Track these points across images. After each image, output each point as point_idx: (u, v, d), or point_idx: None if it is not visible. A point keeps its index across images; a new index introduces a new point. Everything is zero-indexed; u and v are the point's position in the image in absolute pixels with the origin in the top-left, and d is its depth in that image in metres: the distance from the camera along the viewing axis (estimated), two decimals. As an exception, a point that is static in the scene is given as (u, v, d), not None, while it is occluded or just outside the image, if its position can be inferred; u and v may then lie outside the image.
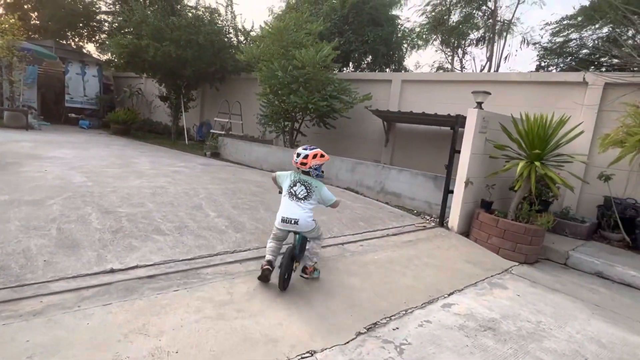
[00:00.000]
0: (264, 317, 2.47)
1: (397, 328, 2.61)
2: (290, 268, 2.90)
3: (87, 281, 2.58)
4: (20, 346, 1.88)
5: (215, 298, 2.61)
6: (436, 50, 12.01)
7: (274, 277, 2.88)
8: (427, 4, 11.08)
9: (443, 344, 2.49)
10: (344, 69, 12.29)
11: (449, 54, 11.72)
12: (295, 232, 3.03)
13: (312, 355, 2.16)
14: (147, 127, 14.45)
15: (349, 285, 3.14)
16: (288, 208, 2.97)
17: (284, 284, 2.81)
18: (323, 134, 9.35)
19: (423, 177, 5.93)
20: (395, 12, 12.31)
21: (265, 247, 3.09)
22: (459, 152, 5.19)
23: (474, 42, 11.00)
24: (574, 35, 8.20)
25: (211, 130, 10.79)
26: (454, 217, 5.25)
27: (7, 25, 10.48)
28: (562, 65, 8.56)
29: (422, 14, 11.34)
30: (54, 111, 15.15)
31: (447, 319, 2.85)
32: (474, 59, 11.84)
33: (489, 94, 5.12)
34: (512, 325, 2.88)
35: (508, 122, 5.18)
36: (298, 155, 3.02)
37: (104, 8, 16.85)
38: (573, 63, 8.05)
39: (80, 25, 17.64)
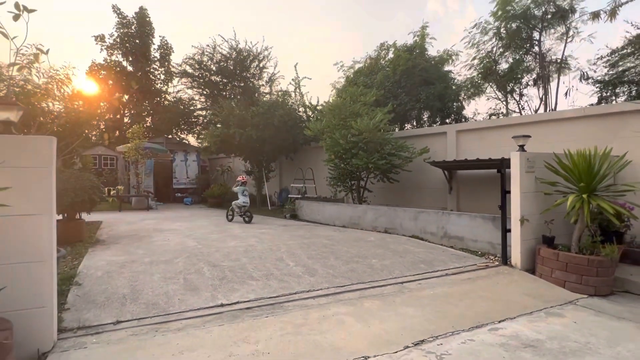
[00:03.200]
0: (331, 334, 3.21)
1: (442, 344, 3.12)
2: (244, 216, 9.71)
3: (207, 311, 3.63)
4: (173, 346, 2.91)
5: (294, 321, 3.44)
6: (487, 99, 12.42)
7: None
8: (474, 59, 11.85)
9: (481, 356, 2.93)
10: (406, 125, 13.23)
11: (502, 99, 12.03)
12: (245, 206, 9.70)
13: (365, 359, 2.82)
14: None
15: (403, 313, 3.72)
16: (244, 198, 9.77)
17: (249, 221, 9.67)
18: (388, 188, 10.11)
19: (482, 219, 6.27)
20: (448, 67, 13.26)
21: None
22: (509, 192, 5.55)
23: (531, 83, 11.20)
24: (632, 64, 8.05)
25: (289, 195, 12.25)
26: (516, 255, 5.45)
27: (134, 132, 13.74)
28: (626, 94, 8.30)
29: (470, 68, 12.09)
30: (164, 192, 18.37)
31: (491, 339, 3.25)
32: (526, 101, 11.73)
33: (529, 137, 5.55)
34: (556, 344, 3.16)
35: (554, 160, 5.46)
36: (244, 177, 10.15)
37: (199, 105, 20.64)
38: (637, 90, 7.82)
39: (182, 122, 21.75)
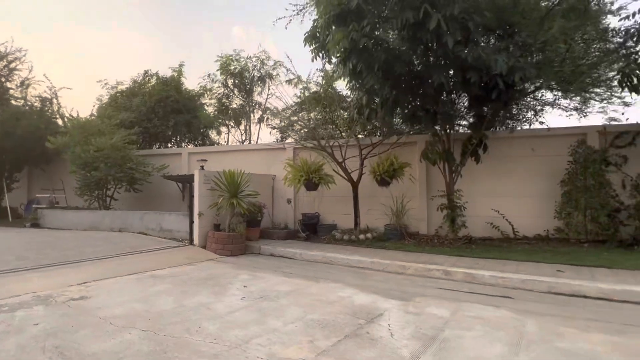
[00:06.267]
0: (16, 285, 5.01)
1: (97, 281, 5.42)
2: None
3: None
4: None
5: (2, 283, 5.06)
6: (217, 133, 16.45)
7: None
8: (211, 99, 15.49)
9: (119, 283, 5.39)
10: (169, 145, 15.32)
11: (226, 132, 16.41)
12: None
13: (34, 293, 4.82)
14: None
15: (86, 271, 5.84)
16: None
17: None
18: (136, 197, 11.94)
19: (183, 216, 9.08)
20: (205, 100, 16.27)
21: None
22: (194, 196, 8.52)
23: (255, 121, 15.67)
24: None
25: (34, 206, 12.28)
26: (196, 237, 8.40)
27: None
28: (295, 136, 13.35)
29: (210, 106, 15.71)
30: None
31: (134, 277, 5.78)
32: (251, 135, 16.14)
33: (206, 160, 8.75)
34: (171, 275, 5.97)
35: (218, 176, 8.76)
36: None
37: None
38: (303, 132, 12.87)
39: None
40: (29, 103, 15.53)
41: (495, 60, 5.92)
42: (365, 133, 9.44)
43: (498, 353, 2.86)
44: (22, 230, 9.94)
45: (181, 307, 4.31)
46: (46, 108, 14.64)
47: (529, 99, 8.99)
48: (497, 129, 8.88)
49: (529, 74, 6.11)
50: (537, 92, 8.54)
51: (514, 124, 9.23)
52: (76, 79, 31.46)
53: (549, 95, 8.96)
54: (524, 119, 9.22)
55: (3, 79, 16.62)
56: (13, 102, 15.65)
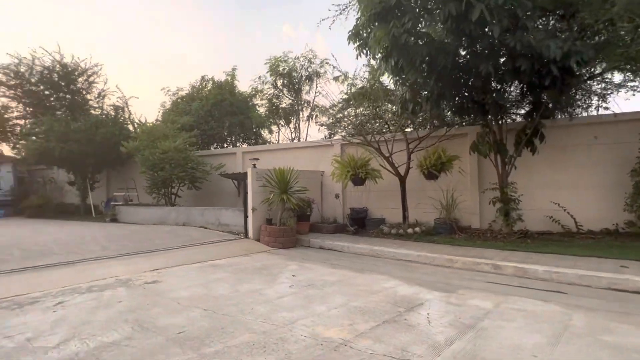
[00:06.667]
0: (100, 271, 5.84)
1: (167, 269, 6.11)
2: None
3: (16, 270, 5.78)
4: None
5: (77, 269, 5.93)
6: (269, 132, 17.08)
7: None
8: (262, 99, 16.20)
9: (183, 270, 6.04)
10: (225, 146, 16.36)
11: (277, 131, 17.05)
12: None
13: (116, 277, 5.58)
14: (60, 208, 16.86)
15: (156, 260, 6.60)
16: None
17: None
18: (197, 194, 12.96)
19: (238, 211, 9.73)
20: (256, 101, 17.08)
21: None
22: (247, 192, 9.11)
23: (304, 119, 16.16)
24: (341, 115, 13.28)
25: (112, 203, 13.83)
26: (250, 231, 8.98)
27: None
28: (342, 132, 13.48)
29: (261, 106, 16.41)
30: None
31: (197, 265, 6.41)
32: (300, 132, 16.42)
33: (258, 159, 9.28)
34: (229, 264, 6.53)
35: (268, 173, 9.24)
36: None
37: (16, 114, 19.51)
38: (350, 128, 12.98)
39: (-6, 130, 19.99)
40: (105, 112, 17.45)
41: (547, 46, 5.65)
42: (415, 126, 9.37)
43: (535, 342, 2.87)
44: (104, 225, 11.32)
45: (236, 292, 4.76)
46: (119, 116, 16.37)
47: (594, 83, 8.33)
48: (558, 117, 8.34)
49: (587, 58, 5.74)
50: (603, 75, 7.90)
51: (577, 111, 8.60)
52: (141, 86, 34.40)
53: (617, 78, 8.24)
54: (587, 105, 8.55)
55: (84, 92, 18.83)
56: (92, 112, 17.73)
